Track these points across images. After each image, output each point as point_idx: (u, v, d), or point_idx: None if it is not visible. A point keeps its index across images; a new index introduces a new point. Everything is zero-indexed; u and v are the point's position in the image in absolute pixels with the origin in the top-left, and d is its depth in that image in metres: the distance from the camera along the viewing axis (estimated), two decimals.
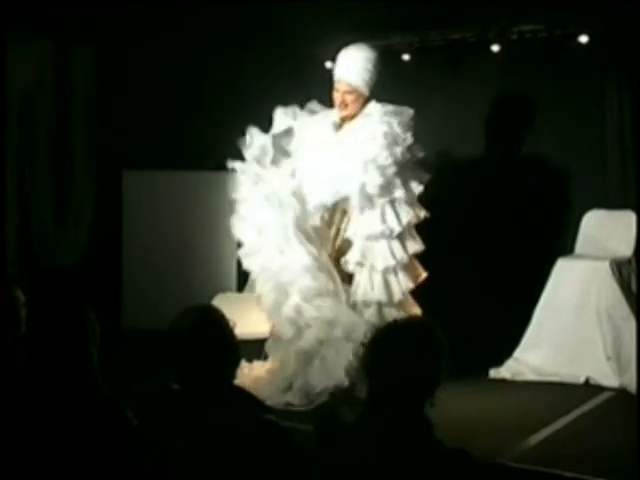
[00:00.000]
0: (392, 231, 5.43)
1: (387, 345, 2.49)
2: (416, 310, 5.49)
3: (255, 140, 5.68)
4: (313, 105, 5.82)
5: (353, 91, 5.56)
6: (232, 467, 2.55)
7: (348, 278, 5.56)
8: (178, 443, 2.61)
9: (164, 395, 2.81)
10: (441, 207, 7.10)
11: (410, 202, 5.55)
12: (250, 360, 5.79)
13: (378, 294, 5.41)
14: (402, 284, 5.47)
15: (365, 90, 5.57)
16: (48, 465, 2.81)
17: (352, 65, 5.57)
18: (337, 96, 5.63)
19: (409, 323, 2.67)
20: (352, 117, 5.66)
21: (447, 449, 2.43)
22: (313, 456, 2.54)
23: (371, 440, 2.43)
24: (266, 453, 2.58)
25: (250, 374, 5.56)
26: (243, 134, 7.96)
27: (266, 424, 2.68)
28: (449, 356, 2.53)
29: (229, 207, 5.92)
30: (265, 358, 6.06)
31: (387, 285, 5.43)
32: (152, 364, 3.11)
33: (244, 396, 2.77)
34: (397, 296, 5.45)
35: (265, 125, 7.95)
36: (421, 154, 5.63)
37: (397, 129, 5.46)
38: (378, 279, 5.43)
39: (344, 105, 5.61)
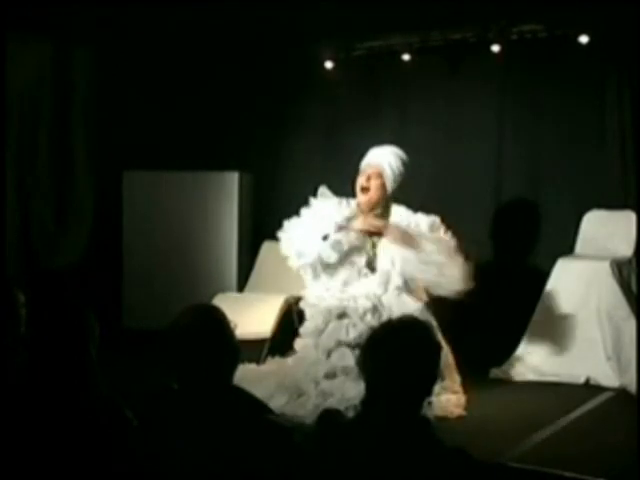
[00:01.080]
0: None
1: (383, 345, 2.49)
2: None
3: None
4: (322, 190, 5.74)
5: (378, 176, 5.52)
6: (232, 467, 2.55)
7: None
8: (178, 443, 2.61)
9: (164, 395, 2.80)
10: (441, 203, 7.12)
11: None
12: (250, 361, 5.78)
13: None
14: None
15: (389, 180, 5.52)
16: (48, 465, 2.81)
17: (383, 154, 5.58)
18: (361, 180, 5.56)
19: (404, 323, 2.66)
20: (371, 208, 5.60)
21: (447, 449, 2.43)
22: (313, 455, 2.54)
23: (370, 440, 2.42)
24: (266, 453, 2.57)
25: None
26: (243, 133, 8.01)
27: (266, 424, 2.67)
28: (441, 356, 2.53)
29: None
30: (265, 359, 6.07)
31: None
32: (152, 364, 3.11)
33: (244, 396, 2.77)
34: None
35: (266, 124, 8.01)
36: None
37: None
38: None
39: (366, 190, 5.54)
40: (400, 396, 2.43)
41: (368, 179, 5.53)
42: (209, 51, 7.71)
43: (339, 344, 5.34)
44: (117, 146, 7.80)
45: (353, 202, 5.65)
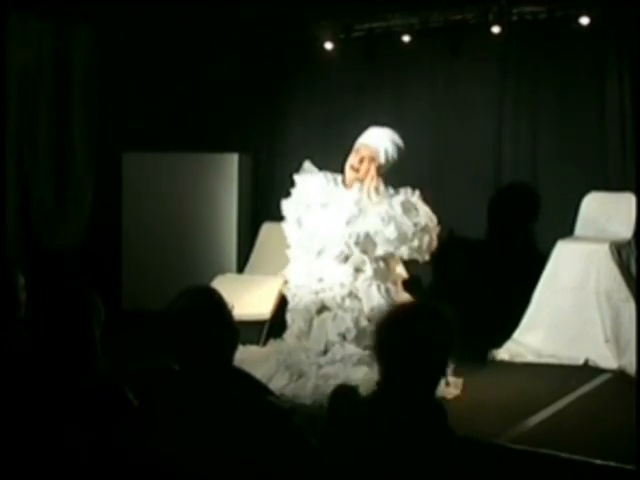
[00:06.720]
0: None
1: (400, 329, 2.47)
2: None
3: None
4: (307, 165, 5.72)
5: (371, 160, 5.46)
6: (231, 447, 2.56)
7: None
8: (178, 424, 2.62)
9: (165, 376, 2.81)
10: (441, 184, 7.13)
11: None
12: (250, 342, 5.79)
13: None
14: None
15: (381, 166, 5.46)
16: (49, 445, 2.82)
17: (381, 138, 5.52)
18: (354, 159, 5.49)
19: (417, 306, 2.65)
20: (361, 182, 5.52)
21: (458, 437, 2.42)
22: (324, 431, 2.53)
23: (384, 421, 2.41)
24: (265, 434, 2.58)
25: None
26: (243, 115, 7.97)
27: (265, 405, 2.68)
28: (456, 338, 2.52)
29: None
30: (266, 341, 6.08)
31: None
32: (151, 346, 3.12)
33: (243, 377, 2.78)
34: None
35: (266, 105, 8.00)
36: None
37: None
38: None
39: (355, 169, 5.48)
40: (416, 379, 2.42)
41: (361, 161, 5.48)
42: (209, 32, 7.68)
43: (332, 344, 5.39)
44: (116, 127, 7.79)
45: (338, 177, 5.60)
